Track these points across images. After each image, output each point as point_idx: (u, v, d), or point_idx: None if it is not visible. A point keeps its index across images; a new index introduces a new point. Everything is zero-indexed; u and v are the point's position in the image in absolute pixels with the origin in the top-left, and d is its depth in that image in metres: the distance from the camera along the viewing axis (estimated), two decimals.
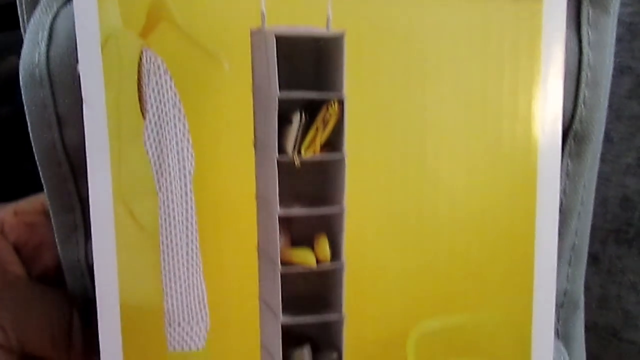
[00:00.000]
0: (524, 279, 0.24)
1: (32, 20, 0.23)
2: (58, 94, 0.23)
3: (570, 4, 0.24)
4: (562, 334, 0.29)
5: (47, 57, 0.22)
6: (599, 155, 0.27)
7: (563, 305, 0.28)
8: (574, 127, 0.25)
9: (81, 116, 0.22)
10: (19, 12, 0.24)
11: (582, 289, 0.29)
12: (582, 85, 0.24)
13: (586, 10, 0.24)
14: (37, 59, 0.22)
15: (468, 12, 0.22)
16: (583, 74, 0.24)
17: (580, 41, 0.24)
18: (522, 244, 0.24)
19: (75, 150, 0.24)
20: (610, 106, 0.28)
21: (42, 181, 0.25)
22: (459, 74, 0.23)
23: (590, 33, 0.24)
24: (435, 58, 0.22)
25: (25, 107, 0.23)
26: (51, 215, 0.26)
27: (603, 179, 0.33)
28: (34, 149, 0.24)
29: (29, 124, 0.23)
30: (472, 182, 0.23)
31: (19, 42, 0.25)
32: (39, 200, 0.30)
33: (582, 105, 0.24)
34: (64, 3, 0.23)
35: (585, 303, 0.30)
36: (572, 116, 0.25)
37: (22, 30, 0.25)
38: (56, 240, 0.27)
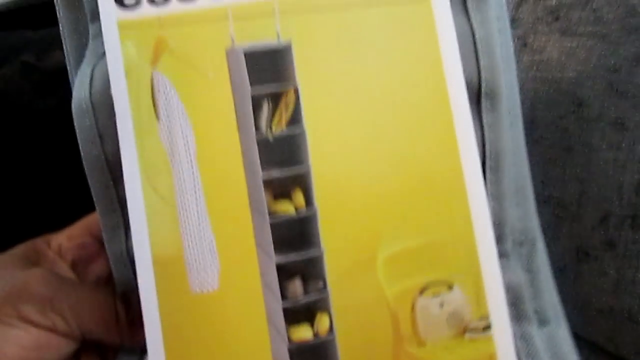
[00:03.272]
0: (460, 206, 0.31)
1: (79, 72, 0.33)
2: (99, 117, 0.32)
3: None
4: (527, 268, 0.34)
5: (90, 93, 0.32)
6: (519, 112, 0.34)
7: (522, 243, 0.34)
8: (482, 88, 0.32)
9: (116, 130, 0.31)
10: (67, 66, 0.34)
11: (537, 226, 0.34)
12: (480, 55, 0.32)
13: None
14: (83, 94, 0.32)
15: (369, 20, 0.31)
16: (478, 46, 0.32)
17: (470, 22, 0.32)
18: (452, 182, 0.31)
19: (114, 161, 0.33)
20: (625, 95, 0.32)
21: (91, 189, 0.34)
22: (379, 67, 0.31)
23: (476, 15, 0.32)
24: (360, 56, 0.31)
25: (76, 130, 0.32)
26: (99, 217, 0.34)
27: (619, 166, 0.35)
28: (84, 163, 0.33)
29: (79, 141, 0.32)
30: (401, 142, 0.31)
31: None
32: (85, 224, 0.38)
33: (484, 71, 0.32)
34: (100, 57, 0.33)
35: (601, 287, 0.33)
36: (479, 80, 0.32)
37: (69, 77, 0.34)
38: (104, 238, 0.35)
